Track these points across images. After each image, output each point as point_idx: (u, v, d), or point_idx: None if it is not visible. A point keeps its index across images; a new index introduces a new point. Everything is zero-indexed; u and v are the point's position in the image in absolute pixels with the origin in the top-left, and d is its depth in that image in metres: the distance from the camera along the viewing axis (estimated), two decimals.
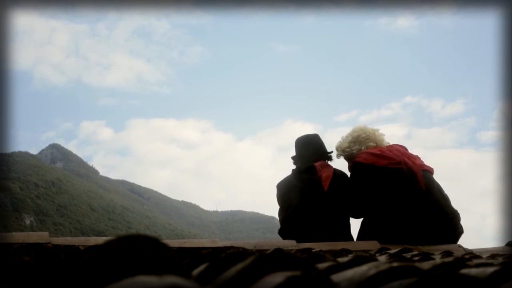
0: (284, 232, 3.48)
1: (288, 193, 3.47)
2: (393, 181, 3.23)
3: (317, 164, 3.48)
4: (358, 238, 3.38)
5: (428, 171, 3.32)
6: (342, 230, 3.34)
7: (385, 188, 3.25)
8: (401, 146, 3.45)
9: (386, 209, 3.26)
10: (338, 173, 3.48)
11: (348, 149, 3.51)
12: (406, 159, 3.28)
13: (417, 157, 3.38)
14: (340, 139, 3.64)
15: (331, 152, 3.62)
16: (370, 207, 3.38)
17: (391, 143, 3.52)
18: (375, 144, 3.46)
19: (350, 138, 3.55)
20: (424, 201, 3.20)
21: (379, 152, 3.32)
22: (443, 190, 3.35)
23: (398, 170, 3.24)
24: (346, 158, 3.58)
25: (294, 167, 3.61)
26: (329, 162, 3.59)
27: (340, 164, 3.66)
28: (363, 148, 3.46)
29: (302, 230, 3.34)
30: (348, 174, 3.53)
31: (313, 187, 3.39)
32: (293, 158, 3.65)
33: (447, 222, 3.21)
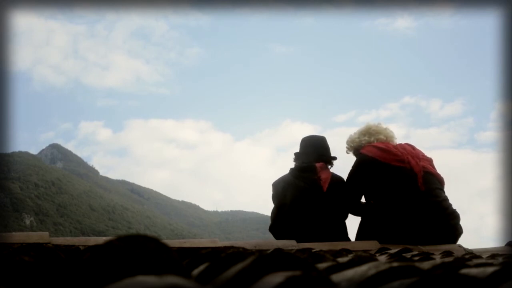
0: (276, 229, 3.49)
1: (285, 191, 3.47)
2: (393, 179, 3.23)
3: (317, 164, 3.49)
4: (356, 239, 3.38)
5: (431, 173, 3.30)
6: (338, 231, 3.35)
7: (384, 185, 3.26)
8: (409, 145, 3.43)
9: (384, 207, 3.27)
10: (336, 178, 3.50)
11: (357, 140, 3.51)
12: (410, 157, 3.27)
13: (424, 158, 3.36)
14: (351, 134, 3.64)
15: (335, 158, 3.63)
16: (366, 201, 3.40)
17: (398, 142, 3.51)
18: (385, 138, 3.45)
19: (361, 130, 3.55)
20: (422, 202, 3.19)
21: (385, 147, 3.31)
22: (443, 192, 3.34)
23: (400, 169, 3.23)
24: (355, 152, 3.56)
25: (292, 165, 3.63)
26: (329, 167, 3.60)
27: (339, 168, 3.71)
28: (372, 139, 3.45)
29: (297, 229, 3.34)
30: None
31: (313, 186, 3.40)
32: (295, 154, 3.67)
33: (447, 223, 3.21)
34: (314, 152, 3.57)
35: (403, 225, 3.16)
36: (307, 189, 3.40)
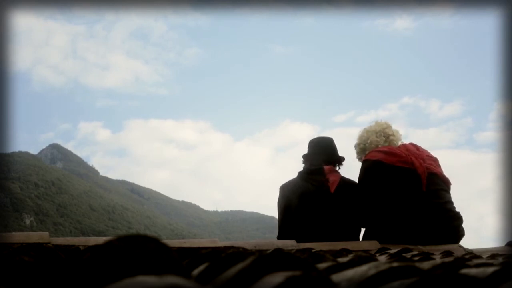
0: (283, 234, 3.45)
1: (292, 193, 3.46)
2: (396, 180, 3.22)
3: (326, 167, 3.49)
4: (363, 239, 3.38)
5: (435, 174, 3.27)
6: (347, 235, 3.32)
7: (388, 187, 3.25)
8: (413, 145, 3.41)
9: (388, 208, 3.26)
10: (345, 180, 3.48)
11: (376, 140, 3.45)
12: (414, 158, 3.25)
13: (429, 158, 3.33)
14: (361, 131, 3.58)
15: (343, 158, 3.61)
16: (376, 209, 3.34)
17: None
18: (399, 142, 3.43)
19: (375, 130, 3.50)
20: (425, 203, 3.19)
21: (388, 150, 3.31)
22: (447, 194, 3.31)
23: (403, 170, 3.22)
24: (361, 152, 3.53)
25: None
26: (338, 169, 3.59)
27: (347, 171, 3.64)
28: (385, 142, 3.42)
29: (304, 231, 3.32)
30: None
31: (320, 188, 3.39)
32: (303, 156, 3.66)
33: (448, 225, 3.21)
34: (322, 153, 3.56)
35: (404, 226, 3.16)
36: (315, 191, 3.39)
